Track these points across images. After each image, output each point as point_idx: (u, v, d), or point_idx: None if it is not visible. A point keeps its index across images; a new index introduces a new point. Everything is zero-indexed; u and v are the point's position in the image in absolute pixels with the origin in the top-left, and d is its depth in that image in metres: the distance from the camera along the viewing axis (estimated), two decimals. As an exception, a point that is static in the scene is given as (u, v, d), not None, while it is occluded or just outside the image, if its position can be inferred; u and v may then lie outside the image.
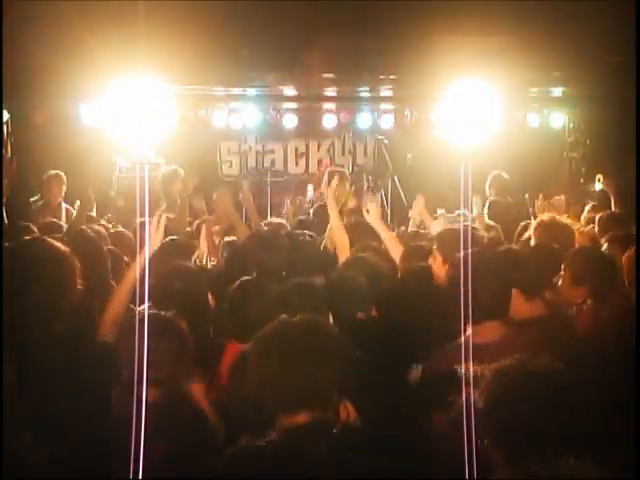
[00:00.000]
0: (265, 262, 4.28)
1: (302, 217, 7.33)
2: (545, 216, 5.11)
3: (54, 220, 6.65)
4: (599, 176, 7.79)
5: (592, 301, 3.94)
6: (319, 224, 6.47)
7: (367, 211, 5.00)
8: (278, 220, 6.74)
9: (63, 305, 3.08)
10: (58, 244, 3.22)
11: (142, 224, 3.25)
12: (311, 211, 8.26)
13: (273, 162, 11.25)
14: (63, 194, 7.87)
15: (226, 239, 5.83)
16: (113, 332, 3.14)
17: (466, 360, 2.77)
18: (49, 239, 3.31)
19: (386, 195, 10.17)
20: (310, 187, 9.38)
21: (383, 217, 5.18)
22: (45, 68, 6.49)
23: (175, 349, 2.81)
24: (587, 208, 7.08)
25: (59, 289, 3.05)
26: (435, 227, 5.44)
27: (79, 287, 3.17)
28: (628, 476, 2.12)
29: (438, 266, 4.10)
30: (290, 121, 10.22)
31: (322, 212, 7.78)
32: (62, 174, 7.91)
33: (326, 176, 8.49)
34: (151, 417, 2.31)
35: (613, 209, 6.82)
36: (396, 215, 8.20)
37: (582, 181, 9.38)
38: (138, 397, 2.51)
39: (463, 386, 2.60)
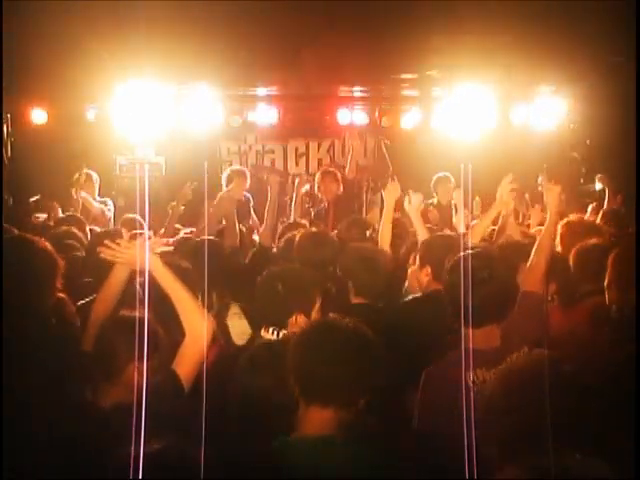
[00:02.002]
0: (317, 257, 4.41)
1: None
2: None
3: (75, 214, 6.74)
4: (599, 176, 7.81)
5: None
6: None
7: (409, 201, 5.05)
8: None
9: (39, 304, 3.04)
10: (41, 242, 3.17)
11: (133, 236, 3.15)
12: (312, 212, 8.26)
13: (273, 162, 11.23)
14: (97, 191, 7.93)
15: (185, 235, 5.65)
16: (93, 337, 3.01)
17: (467, 364, 2.76)
18: (29, 236, 3.25)
19: (386, 195, 10.15)
20: (307, 186, 9.32)
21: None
22: (46, 68, 6.49)
23: (149, 348, 2.76)
24: (589, 209, 7.10)
25: (35, 287, 3.02)
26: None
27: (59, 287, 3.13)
28: (629, 476, 2.11)
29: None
30: (290, 121, 10.20)
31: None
32: (92, 173, 7.94)
33: (318, 175, 8.48)
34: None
35: (606, 206, 6.89)
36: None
37: (582, 181, 9.37)
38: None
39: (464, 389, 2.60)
